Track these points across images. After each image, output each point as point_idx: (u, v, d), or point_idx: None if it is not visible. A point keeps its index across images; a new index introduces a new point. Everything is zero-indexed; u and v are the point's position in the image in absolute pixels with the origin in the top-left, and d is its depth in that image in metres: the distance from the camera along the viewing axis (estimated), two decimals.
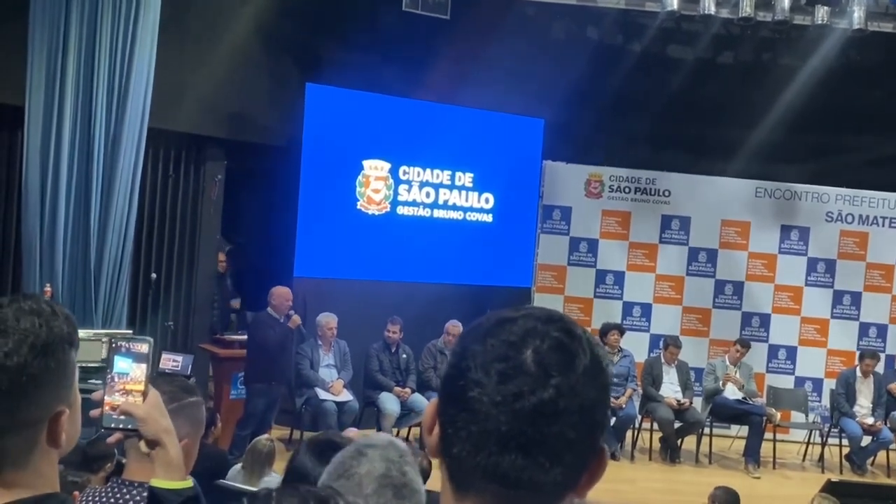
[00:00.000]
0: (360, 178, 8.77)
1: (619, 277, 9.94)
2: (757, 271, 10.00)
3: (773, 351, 9.95)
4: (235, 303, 9.68)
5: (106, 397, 1.58)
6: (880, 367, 9.27)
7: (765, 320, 9.97)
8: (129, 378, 1.60)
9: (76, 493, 1.50)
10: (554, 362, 0.92)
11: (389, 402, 7.94)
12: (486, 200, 9.45)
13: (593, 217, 9.91)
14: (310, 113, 8.37)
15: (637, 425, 8.87)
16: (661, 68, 9.94)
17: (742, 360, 9.05)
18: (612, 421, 8.64)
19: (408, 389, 8.13)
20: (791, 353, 9.95)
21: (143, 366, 1.61)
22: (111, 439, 1.62)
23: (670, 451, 8.72)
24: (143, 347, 1.62)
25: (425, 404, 7.88)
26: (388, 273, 8.79)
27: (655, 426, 8.80)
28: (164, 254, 8.47)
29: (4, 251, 7.59)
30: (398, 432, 8.12)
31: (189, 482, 1.64)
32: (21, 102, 6.76)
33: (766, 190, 9.99)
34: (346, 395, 7.85)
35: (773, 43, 10.09)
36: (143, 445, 1.59)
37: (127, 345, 1.61)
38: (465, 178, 9.32)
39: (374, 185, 8.85)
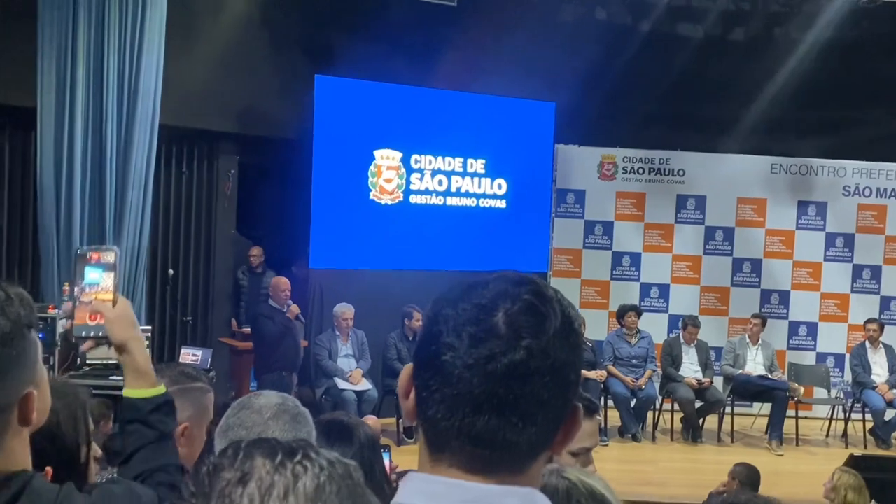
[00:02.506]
0: (371, 168, 8.79)
1: (636, 259, 9.91)
2: (775, 248, 9.94)
3: (794, 328, 9.90)
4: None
5: (76, 309, 1.62)
6: None
7: (784, 297, 9.91)
8: (99, 288, 1.64)
9: (49, 469, 1.53)
10: (525, 324, 0.93)
11: None
12: (499, 186, 9.44)
13: (608, 199, 9.88)
14: (320, 105, 8.39)
15: (658, 406, 8.85)
16: (671, 47, 9.87)
17: (763, 338, 9.00)
18: (633, 402, 8.64)
19: None
20: (812, 329, 9.89)
21: (112, 274, 1.64)
22: (83, 347, 1.68)
23: (692, 431, 8.69)
24: (111, 257, 1.66)
25: None
26: (402, 262, 8.81)
27: (676, 406, 8.77)
28: (180, 249, 8.54)
29: (22, 251, 7.67)
30: None
31: (161, 388, 1.67)
32: (33, 104, 6.82)
33: (782, 166, 9.92)
34: (364, 384, 7.89)
35: (783, 17, 9.99)
36: (112, 352, 1.64)
37: (97, 255, 1.64)
38: (478, 165, 9.32)
39: (386, 174, 8.86)
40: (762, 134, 9.78)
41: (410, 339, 8.29)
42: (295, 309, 7.67)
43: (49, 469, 1.67)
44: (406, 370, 0.99)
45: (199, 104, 8.15)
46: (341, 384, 7.79)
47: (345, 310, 7.95)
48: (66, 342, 5.90)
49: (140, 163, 7.19)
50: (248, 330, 8.15)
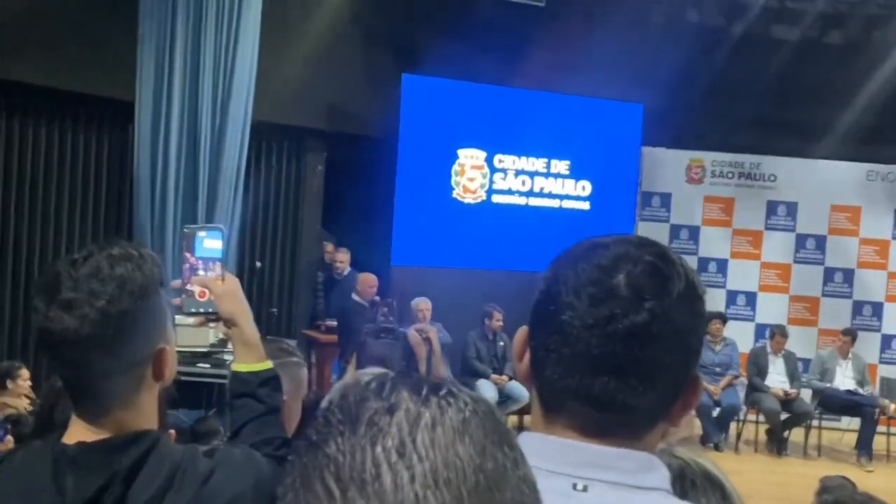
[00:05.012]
0: (455, 166, 8.82)
1: (723, 265, 9.71)
2: (868, 258, 9.60)
3: (887, 341, 9.54)
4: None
5: (187, 285, 1.66)
6: None
7: (877, 309, 9.57)
8: (214, 259, 1.67)
9: (173, 431, 1.56)
10: (648, 286, 0.91)
11: (487, 389, 7.95)
12: (583, 188, 9.35)
13: (695, 203, 9.70)
14: (406, 103, 8.47)
15: (742, 416, 8.63)
16: (764, 49, 9.62)
17: (853, 351, 8.69)
18: (716, 412, 8.44)
19: (505, 377, 8.13)
20: None
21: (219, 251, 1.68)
22: (193, 322, 1.69)
23: (777, 443, 8.45)
24: (218, 234, 1.68)
25: (522, 391, 7.90)
26: (484, 261, 8.80)
27: (761, 418, 8.54)
28: (267, 243, 8.72)
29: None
30: None
31: (268, 363, 1.69)
32: (132, 98, 7.05)
33: (878, 173, 9.59)
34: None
35: (882, 19, 9.64)
36: (221, 326, 1.66)
37: (203, 234, 1.67)
38: (562, 166, 9.25)
39: (469, 173, 8.87)
40: (858, 140, 9.45)
41: (490, 338, 8.28)
42: (383, 306, 7.74)
43: (173, 431, 1.71)
44: (521, 332, 0.98)
45: (289, 100, 8.31)
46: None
47: (421, 303, 7.95)
48: None
49: (232, 157, 7.36)
50: (331, 323, 8.25)
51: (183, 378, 6.02)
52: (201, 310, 1.66)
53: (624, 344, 0.89)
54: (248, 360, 1.66)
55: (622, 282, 0.91)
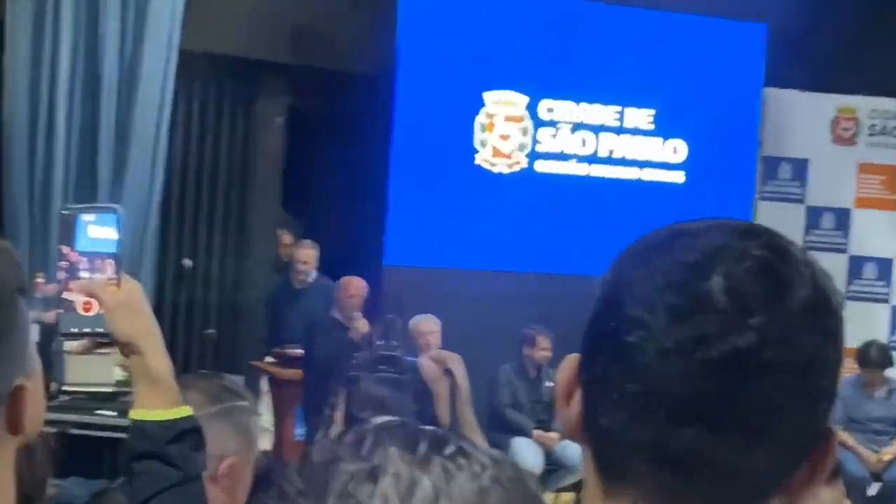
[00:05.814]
0: (480, 118, 8.84)
1: (886, 268, 9.72)
2: None
3: None
4: None
5: (64, 293, 1.66)
6: None
7: None
8: (102, 257, 1.68)
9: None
10: (756, 294, 0.92)
11: (527, 453, 7.98)
12: (675, 150, 9.37)
13: (844, 175, 9.72)
14: (405, 25, 8.49)
15: None
16: None
17: None
18: (874, 489, 8.44)
19: (555, 434, 8.15)
20: None
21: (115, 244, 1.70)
22: (75, 346, 1.71)
23: None
24: (112, 218, 1.70)
25: (579, 456, 7.83)
26: (521, 262, 8.84)
27: None
28: (201, 233, 8.77)
29: None
30: None
31: (185, 409, 1.69)
32: (1, 16, 7.12)
33: None
34: None
35: None
36: (117, 356, 1.66)
37: (89, 218, 1.68)
38: (642, 118, 9.27)
39: (501, 129, 8.90)
40: None
41: (533, 376, 8.30)
42: (362, 326, 7.72)
43: None
44: (570, 361, 1.00)
45: (234, 22, 8.35)
46: None
47: (423, 323, 7.90)
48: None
49: (148, 105, 7.41)
50: (294, 351, 8.26)
51: (75, 431, 6.08)
52: (86, 329, 1.67)
53: (720, 379, 0.91)
54: (155, 403, 1.67)
55: (718, 287, 0.92)
